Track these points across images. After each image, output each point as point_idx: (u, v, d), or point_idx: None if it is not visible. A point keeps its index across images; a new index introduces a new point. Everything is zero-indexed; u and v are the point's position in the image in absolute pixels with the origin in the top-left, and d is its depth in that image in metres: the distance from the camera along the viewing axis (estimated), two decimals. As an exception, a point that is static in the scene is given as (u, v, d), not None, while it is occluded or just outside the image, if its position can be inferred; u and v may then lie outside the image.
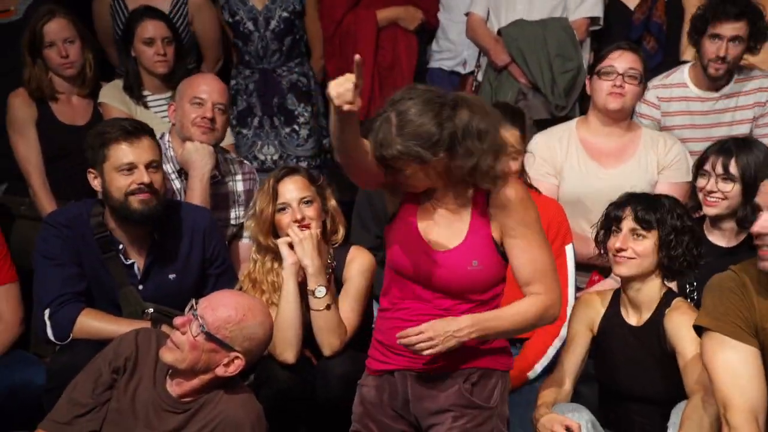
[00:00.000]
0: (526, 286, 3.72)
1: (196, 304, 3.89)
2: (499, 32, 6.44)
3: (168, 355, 3.79)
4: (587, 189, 5.42)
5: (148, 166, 4.54)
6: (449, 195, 3.77)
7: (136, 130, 4.63)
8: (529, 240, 3.73)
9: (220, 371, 3.91)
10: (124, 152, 4.59)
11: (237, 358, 3.90)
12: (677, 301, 4.19)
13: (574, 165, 5.47)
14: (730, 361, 3.58)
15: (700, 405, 3.88)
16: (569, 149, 5.53)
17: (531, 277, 3.73)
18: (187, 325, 3.78)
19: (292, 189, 4.70)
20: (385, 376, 3.88)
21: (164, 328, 4.43)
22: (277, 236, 4.64)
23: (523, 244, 3.73)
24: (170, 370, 3.91)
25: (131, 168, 4.51)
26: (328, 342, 4.55)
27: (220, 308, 3.92)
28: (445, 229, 3.86)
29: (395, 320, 3.81)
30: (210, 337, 3.84)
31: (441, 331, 3.49)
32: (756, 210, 3.33)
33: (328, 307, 4.58)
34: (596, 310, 4.49)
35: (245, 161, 6.09)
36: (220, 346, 3.86)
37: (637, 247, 4.31)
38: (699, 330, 3.62)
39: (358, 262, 4.77)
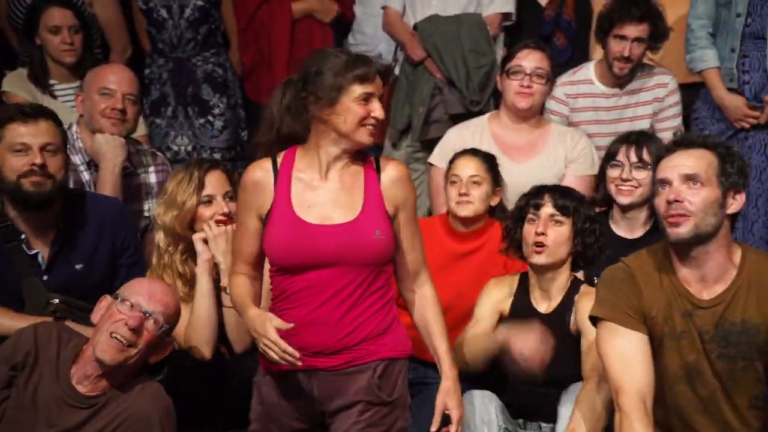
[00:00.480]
0: (416, 272, 3.99)
1: (121, 298, 4.05)
2: (415, 27, 6.63)
3: (119, 355, 3.95)
4: (499, 183, 5.00)
5: (43, 148, 4.60)
6: (337, 167, 3.95)
7: (34, 113, 4.75)
8: (415, 223, 3.98)
9: (152, 359, 4.24)
10: (18, 133, 4.65)
11: (170, 343, 4.28)
12: (585, 287, 4.45)
13: None
14: (621, 348, 3.85)
15: (594, 389, 4.14)
16: (482, 143, 5.61)
17: (419, 263, 4.01)
18: (139, 323, 3.98)
19: (217, 182, 4.81)
20: (288, 375, 3.94)
21: (69, 323, 4.49)
22: (193, 229, 4.75)
23: (413, 227, 3.97)
24: (95, 368, 4.04)
25: (25, 149, 4.58)
26: (240, 339, 4.67)
27: (161, 300, 4.18)
28: (339, 204, 3.99)
29: (293, 318, 3.81)
30: (168, 331, 4.19)
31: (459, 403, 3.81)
32: (664, 184, 3.70)
33: None
34: (505, 293, 4.74)
35: (158, 152, 6.09)
36: (168, 337, 4.19)
37: (555, 234, 4.59)
38: (594, 320, 3.85)
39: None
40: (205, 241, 4.76)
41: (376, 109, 3.64)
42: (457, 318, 4.85)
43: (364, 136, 3.71)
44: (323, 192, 3.95)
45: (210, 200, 4.73)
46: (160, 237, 4.92)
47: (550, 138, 5.85)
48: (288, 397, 4.02)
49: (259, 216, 3.90)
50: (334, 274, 3.90)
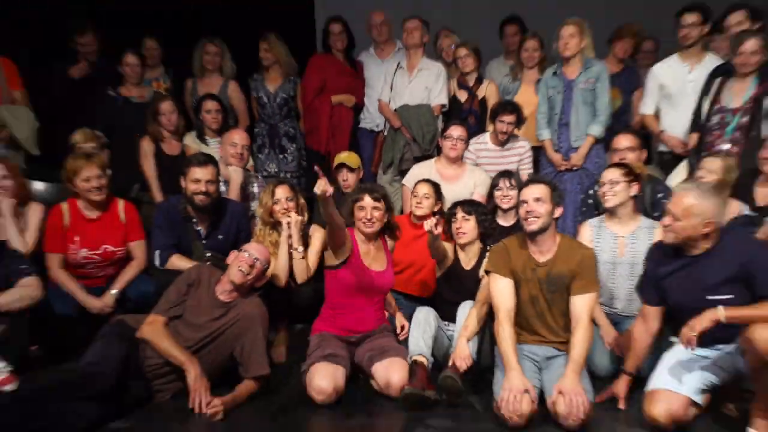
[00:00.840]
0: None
1: (243, 251, 4.64)
2: (396, 110, 6.99)
3: (242, 279, 4.50)
4: (440, 197, 6.21)
5: (207, 182, 5.26)
6: (377, 242, 4.88)
7: (205, 161, 5.32)
8: None
9: (258, 284, 4.73)
10: (195, 172, 5.22)
11: (266, 276, 4.81)
12: (488, 254, 4.58)
13: None
14: (500, 287, 4.33)
15: (479, 306, 4.56)
16: (431, 175, 6.08)
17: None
18: (252, 262, 4.55)
19: (281, 192, 5.31)
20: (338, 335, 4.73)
21: (213, 267, 4.91)
22: (273, 217, 5.28)
23: None
24: (229, 286, 4.53)
25: (197, 182, 5.23)
26: (300, 277, 5.14)
27: (261, 251, 4.70)
28: (377, 260, 4.84)
29: (339, 315, 4.75)
30: (265, 270, 4.74)
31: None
32: (523, 202, 4.19)
33: (302, 258, 5.15)
34: (450, 257, 5.14)
35: (258, 175, 6.66)
36: (265, 273, 4.78)
37: (467, 225, 5.05)
38: (487, 272, 4.43)
39: (317, 234, 5.27)
40: (288, 224, 5.20)
41: (364, 216, 4.64)
42: (413, 269, 5.53)
43: (363, 228, 4.68)
44: (372, 251, 4.84)
45: (277, 202, 5.26)
46: (258, 222, 5.53)
47: (466, 173, 6.29)
48: (335, 339, 4.65)
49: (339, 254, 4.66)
50: (371, 295, 4.83)
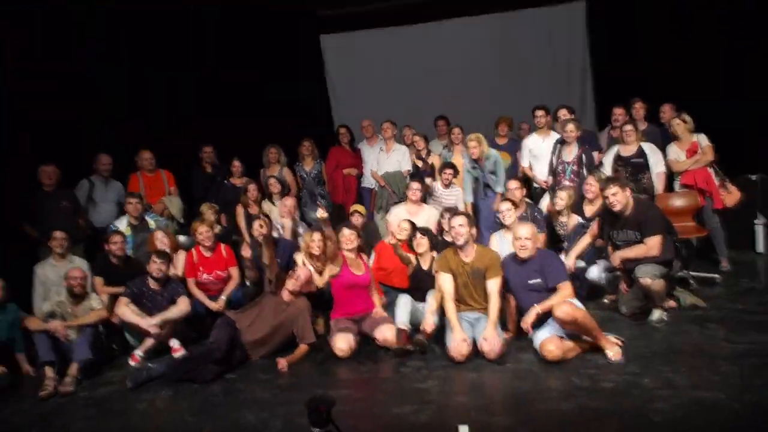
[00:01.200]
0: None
1: (295, 272, 4.88)
2: (382, 175, 7.12)
3: (291, 286, 4.79)
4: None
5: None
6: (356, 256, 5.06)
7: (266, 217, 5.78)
8: None
9: (306, 290, 4.89)
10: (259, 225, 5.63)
11: (310, 286, 4.97)
12: (436, 259, 4.88)
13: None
14: (444, 279, 4.54)
15: (436, 292, 4.63)
16: (402, 212, 6.03)
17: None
18: (299, 279, 4.81)
19: (315, 235, 5.18)
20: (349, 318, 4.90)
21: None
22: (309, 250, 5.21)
23: None
24: (287, 292, 4.80)
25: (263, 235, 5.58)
26: (322, 284, 5.12)
27: (305, 273, 4.88)
28: (358, 267, 5.03)
29: (341, 305, 4.96)
30: (305, 281, 4.86)
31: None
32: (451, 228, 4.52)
33: (320, 274, 5.17)
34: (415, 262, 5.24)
35: (303, 223, 6.61)
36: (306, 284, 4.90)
37: (423, 243, 5.12)
38: (436, 271, 4.64)
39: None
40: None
41: (345, 240, 5.02)
42: (395, 271, 5.31)
43: (345, 246, 5.01)
44: (354, 261, 5.04)
45: (312, 241, 5.16)
46: (302, 250, 5.37)
47: (424, 210, 6.16)
48: (345, 320, 4.85)
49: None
50: (357, 290, 4.99)
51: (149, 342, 4.94)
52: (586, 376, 3.89)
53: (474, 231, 4.69)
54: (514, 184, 5.96)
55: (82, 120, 6.40)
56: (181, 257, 5.71)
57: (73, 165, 6.28)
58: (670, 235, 4.73)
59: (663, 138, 6.37)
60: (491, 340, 4.22)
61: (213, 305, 5.46)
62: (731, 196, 5.91)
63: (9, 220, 5.79)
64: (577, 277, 5.28)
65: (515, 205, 5.53)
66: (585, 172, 6.09)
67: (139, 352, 4.87)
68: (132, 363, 4.80)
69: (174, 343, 4.99)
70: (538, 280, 4.41)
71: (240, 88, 8.16)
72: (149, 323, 4.90)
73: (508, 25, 9.40)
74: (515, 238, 4.52)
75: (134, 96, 7.07)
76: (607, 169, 6.15)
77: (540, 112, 6.63)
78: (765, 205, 6.70)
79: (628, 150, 6.13)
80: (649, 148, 6.10)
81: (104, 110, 6.73)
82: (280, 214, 6.25)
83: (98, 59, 6.74)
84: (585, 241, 5.23)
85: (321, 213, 5.61)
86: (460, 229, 4.56)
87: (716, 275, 5.70)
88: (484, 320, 4.46)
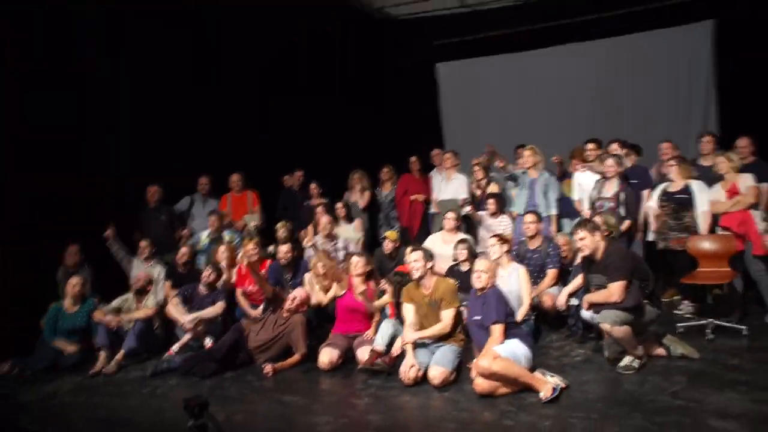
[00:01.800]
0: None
1: (293, 295, 5.46)
2: (438, 202, 7.49)
3: (287, 306, 5.39)
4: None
5: (285, 252, 6.20)
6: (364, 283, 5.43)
7: (284, 241, 6.36)
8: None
9: (301, 309, 5.42)
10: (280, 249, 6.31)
11: (305, 305, 5.50)
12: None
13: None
14: (407, 309, 4.86)
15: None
16: (437, 238, 6.44)
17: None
18: (294, 301, 5.39)
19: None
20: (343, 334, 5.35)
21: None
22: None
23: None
24: (285, 311, 5.37)
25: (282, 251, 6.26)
26: (323, 302, 5.75)
27: (301, 294, 5.46)
28: (363, 294, 5.42)
29: (340, 324, 5.42)
30: (300, 302, 5.43)
31: None
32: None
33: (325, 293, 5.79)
34: None
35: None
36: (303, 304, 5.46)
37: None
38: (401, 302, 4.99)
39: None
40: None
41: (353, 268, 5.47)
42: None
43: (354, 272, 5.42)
44: (360, 288, 5.42)
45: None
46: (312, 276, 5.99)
47: (459, 238, 6.20)
48: (341, 336, 5.32)
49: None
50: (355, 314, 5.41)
51: (186, 337, 5.91)
52: (498, 411, 4.06)
53: (429, 263, 4.96)
54: (529, 218, 5.98)
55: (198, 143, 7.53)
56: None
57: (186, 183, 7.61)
58: (641, 282, 4.62)
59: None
60: (435, 370, 4.54)
61: (252, 312, 6.26)
62: (777, 242, 5.46)
63: (125, 229, 7.12)
64: (572, 315, 5.35)
65: (504, 240, 5.66)
66: (623, 210, 6.02)
67: (175, 347, 5.84)
68: (166, 355, 5.75)
69: (208, 341, 5.92)
70: (479, 317, 4.63)
71: (355, 116, 8.95)
72: (185, 319, 5.88)
73: (623, 48, 9.25)
74: (473, 271, 4.79)
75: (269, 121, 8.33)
76: (654, 205, 6.04)
77: (591, 146, 6.61)
78: None
79: (675, 186, 5.93)
80: (697, 186, 5.82)
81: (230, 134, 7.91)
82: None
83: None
84: (578, 280, 5.24)
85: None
86: (415, 264, 4.89)
87: (743, 327, 5.25)
88: (442, 349, 4.74)
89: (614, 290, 4.54)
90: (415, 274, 4.90)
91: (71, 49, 6.46)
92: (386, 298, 5.45)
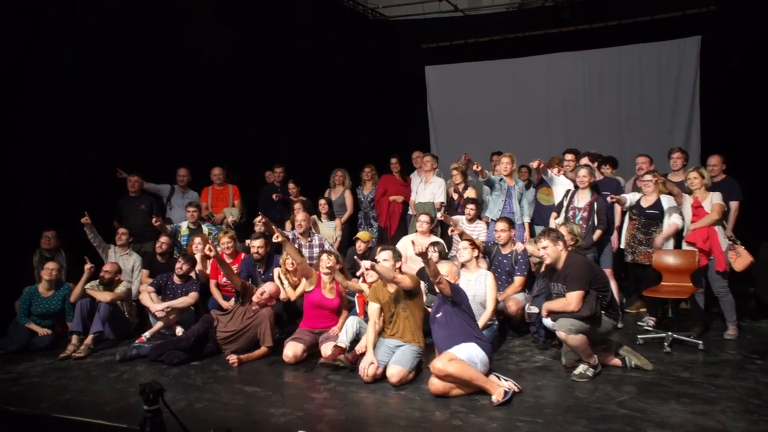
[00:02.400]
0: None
1: (263, 289, 5.57)
2: (416, 204, 7.51)
3: (257, 299, 5.47)
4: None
5: (259, 247, 6.23)
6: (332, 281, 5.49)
7: (258, 236, 6.29)
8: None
9: (270, 303, 5.55)
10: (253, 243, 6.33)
11: (274, 299, 5.61)
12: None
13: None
14: (372, 308, 4.94)
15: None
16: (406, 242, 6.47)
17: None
18: (264, 294, 5.52)
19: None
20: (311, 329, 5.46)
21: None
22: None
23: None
24: (254, 304, 5.49)
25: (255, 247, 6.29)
26: (293, 296, 5.87)
27: (271, 288, 5.57)
28: (331, 291, 5.55)
29: (307, 319, 5.50)
30: (270, 296, 5.55)
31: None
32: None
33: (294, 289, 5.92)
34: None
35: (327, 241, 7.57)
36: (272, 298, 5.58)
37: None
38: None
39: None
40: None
41: (324, 265, 5.44)
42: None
43: (323, 270, 5.41)
44: (328, 285, 5.52)
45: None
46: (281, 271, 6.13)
47: (432, 240, 6.31)
48: (307, 331, 5.41)
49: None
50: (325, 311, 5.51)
51: (158, 325, 6.05)
52: (449, 412, 4.19)
53: (398, 264, 5.11)
54: (501, 225, 6.12)
55: (181, 135, 7.68)
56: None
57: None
58: (599, 293, 4.78)
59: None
60: (394, 368, 4.66)
61: (224, 304, 6.42)
62: (741, 259, 5.58)
63: (103, 216, 7.19)
64: (533, 323, 5.51)
65: (475, 245, 5.77)
66: (595, 219, 6.15)
67: (146, 334, 5.95)
68: (137, 342, 5.86)
69: (179, 330, 6.07)
70: (441, 315, 4.71)
71: (341, 113, 9.07)
72: (156, 308, 6.02)
73: (612, 60, 9.41)
74: None
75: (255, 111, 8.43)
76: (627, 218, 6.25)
77: (569, 156, 6.75)
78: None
79: (646, 200, 6.10)
80: (667, 201, 5.99)
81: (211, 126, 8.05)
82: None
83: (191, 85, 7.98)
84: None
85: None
86: (384, 263, 5.06)
87: (699, 342, 5.40)
88: (403, 349, 4.86)
89: (571, 299, 4.70)
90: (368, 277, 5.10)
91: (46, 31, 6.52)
92: (362, 286, 5.54)
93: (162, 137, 7.49)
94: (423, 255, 4.47)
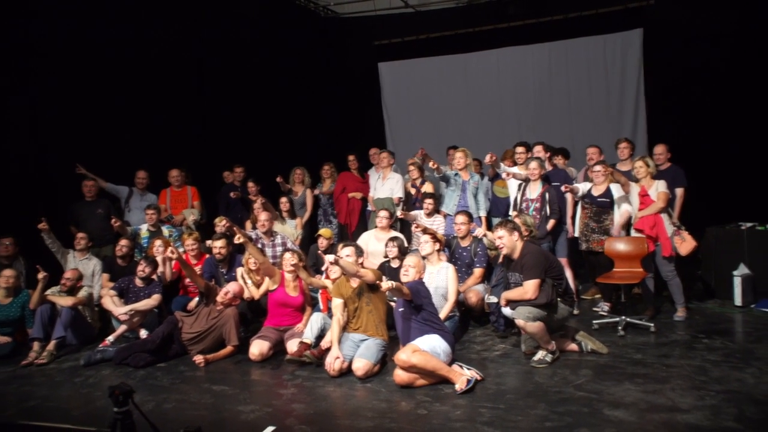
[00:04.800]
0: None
1: (226, 288, 5.64)
2: (375, 200, 7.65)
3: (221, 299, 5.53)
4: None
5: (221, 248, 6.27)
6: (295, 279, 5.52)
7: (219, 237, 6.39)
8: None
9: (235, 303, 5.60)
10: (215, 243, 6.36)
11: (238, 299, 5.68)
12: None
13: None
14: (336, 303, 5.05)
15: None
16: (371, 236, 6.62)
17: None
18: (228, 294, 5.60)
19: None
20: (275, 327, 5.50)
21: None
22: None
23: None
24: (219, 303, 5.53)
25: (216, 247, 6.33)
26: (257, 295, 5.95)
27: (235, 288, 5.65)
28: (294, 289, 5.58)
29: (271, 317, 5.52)
30: (234, 295, 5.62)
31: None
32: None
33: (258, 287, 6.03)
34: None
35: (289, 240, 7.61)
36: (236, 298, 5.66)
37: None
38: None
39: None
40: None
41: (287, 263, 5.51)
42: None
43: (286, 268, 5.49)
44: (291, 283, 5.56)
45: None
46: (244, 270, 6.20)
47: (391, 236, 6.43)
48: (272, 329, 5.46)
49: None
50: (289, 309, 5.55)
51: (121, 329, 6.02)
52: (414, 401, 4.31)
53: (360, 259, 5.21)
54: (460, 219, 6.22)
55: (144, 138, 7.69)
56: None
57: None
58: (555, 280, 4.97)
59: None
60: (359, 362, 4.77)
61: (189, 305, 6.42)
62: (686, 244, 5.86)
63: (60, 222, 7.07)
64: (493, 312, 5.68)
65: (436, 238, 5.88)
66: (547, 210, 6.33)
67: (110, 338, 5.94)
68: (101, 346, 5.82)
69: (143, 333, 6.05)
70: (403, 309, 4.84)
71: (297, 111, 9.09)
72: (119, 311, 5.99)
73: (559, 53, 9.65)
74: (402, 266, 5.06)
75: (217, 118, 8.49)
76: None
77: (520, 149, 6.91)
78: (751, 256, 6.44)
79: (597, 189, 6.32)
80: (617, 190, 6.20)
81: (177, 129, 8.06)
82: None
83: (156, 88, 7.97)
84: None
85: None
86: (347, 259, 5.15)
87: (651, 324, 5.67)
88: (367, 342, 4.96)
89: (528, 288, 4.88)
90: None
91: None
92: (326, 282, 5.61)
93: (119, 139, 7.47)
94: (335, 263, 4.72)
